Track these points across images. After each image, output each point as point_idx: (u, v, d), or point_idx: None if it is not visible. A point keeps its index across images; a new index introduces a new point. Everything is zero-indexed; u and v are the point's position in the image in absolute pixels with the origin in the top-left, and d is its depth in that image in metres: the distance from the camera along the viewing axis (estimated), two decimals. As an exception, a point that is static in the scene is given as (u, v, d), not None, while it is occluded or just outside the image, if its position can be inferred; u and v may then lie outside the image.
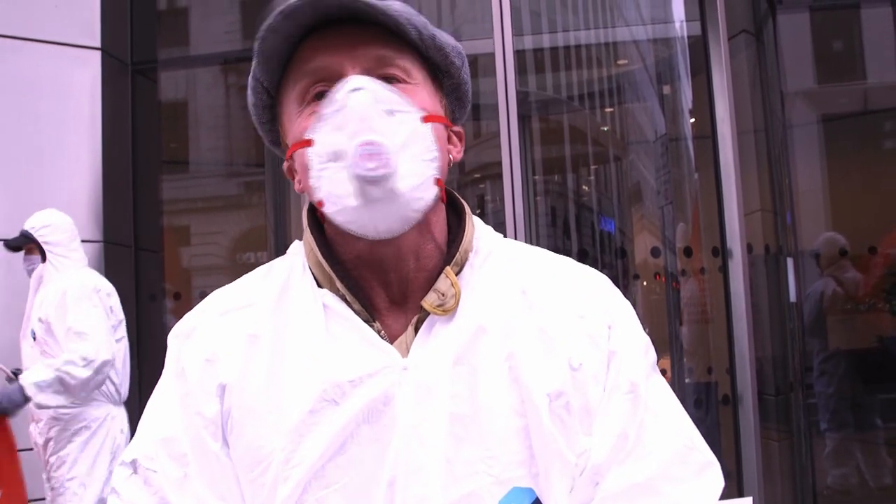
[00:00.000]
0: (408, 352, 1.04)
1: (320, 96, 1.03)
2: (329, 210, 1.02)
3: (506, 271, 1.11)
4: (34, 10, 5.05)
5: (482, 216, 5.09)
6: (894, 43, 6.52)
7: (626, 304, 1.15)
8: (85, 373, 3.76)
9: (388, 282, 1.07)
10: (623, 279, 4.89)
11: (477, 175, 5.61)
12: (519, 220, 3.98)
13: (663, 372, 4.63)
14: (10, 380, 3.94)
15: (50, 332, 3.88)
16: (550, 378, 1.03)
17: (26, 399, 3.73)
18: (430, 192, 1.02)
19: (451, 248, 1.10)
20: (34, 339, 3.95)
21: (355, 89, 0.99)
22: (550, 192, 5.66)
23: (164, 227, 6.53)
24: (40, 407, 3.79)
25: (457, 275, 1.08)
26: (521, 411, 1.02)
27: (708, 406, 4.77)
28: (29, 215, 4.11)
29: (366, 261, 1.07)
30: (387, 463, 1.00)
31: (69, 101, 5.04)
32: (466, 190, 5.61)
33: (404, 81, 1.06)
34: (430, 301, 1.05)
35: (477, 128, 5.13)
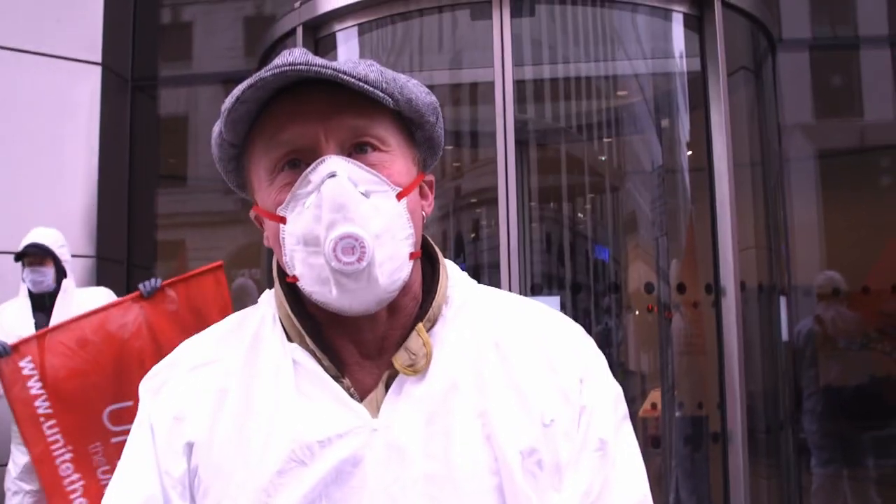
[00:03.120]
0: (378, 410, 1.03)
1: (294, 164, 1.02)
2: (304, 288, 1.02)
3: (479, 323, 1.10)
4: (36, 23, 5.06)
5: (476, 241, 5.10)
6: (892, 81, 6.57)
7: (598, 355, 1.15)
8: None
9: (361, 340, 1.07)
10: (616, 308, 4.87)
11: (473, 199, 5.61)
12: (513, 245, 3.97)
13: (653, 406, 4.62)
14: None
15: None
16: (523, 435, 1.03)
17: None
18: (405, 271, 1.02)
19: (425, 303, 1.09)
20: None
21: (331, 175, 0.98)
22: (546, 219, 5.66)
23: (159, 242, 6.52)
24: None
25: (429, 330, 1.07)
26: (494, 469, 1.01)
27: (697, 442, 4.74)
28: (23, 228, 4.09)
29: (338, 321, 1.06)
30: None
31: (67, 115, 5.05)
32: (462, 214, 5.60)
33: (379, 149, 1.04)
34: (400, 361, 1.04)
35: (474, 154, 5.13)
